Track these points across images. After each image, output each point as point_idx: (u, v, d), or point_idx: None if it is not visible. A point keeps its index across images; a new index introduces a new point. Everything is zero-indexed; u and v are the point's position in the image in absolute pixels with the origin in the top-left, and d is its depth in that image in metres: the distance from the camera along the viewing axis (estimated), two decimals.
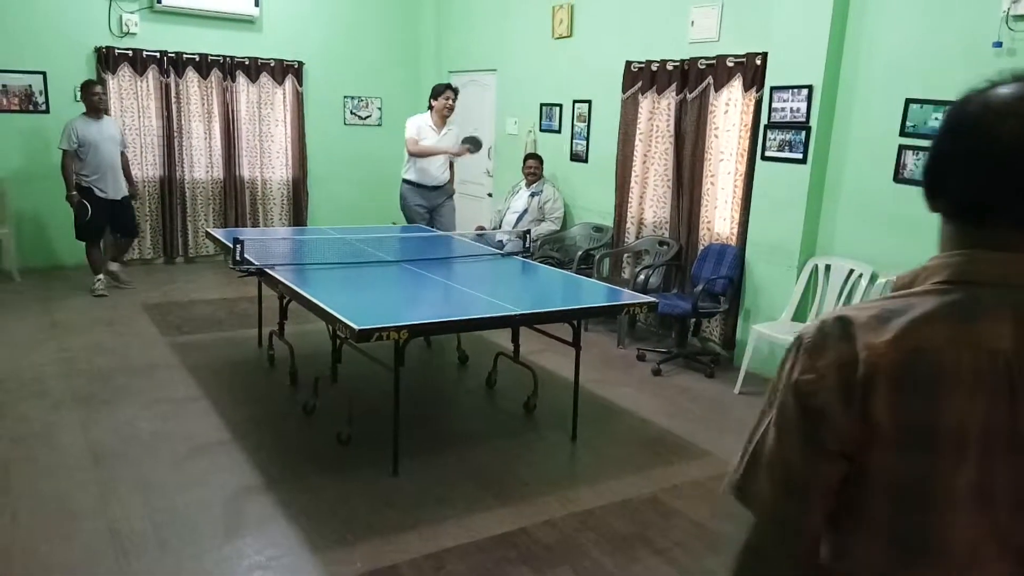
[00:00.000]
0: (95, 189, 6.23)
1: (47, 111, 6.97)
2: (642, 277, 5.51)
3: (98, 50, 7.06)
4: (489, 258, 5.05)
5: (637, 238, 6.12)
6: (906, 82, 4.26)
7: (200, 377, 4.63)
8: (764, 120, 4.93)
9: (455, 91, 6.38)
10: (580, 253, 6.20)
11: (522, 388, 4.42)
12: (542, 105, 7.18)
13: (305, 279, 4.05)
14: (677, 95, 5.62)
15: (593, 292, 4.34)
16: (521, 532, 3.08)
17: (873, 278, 4.47)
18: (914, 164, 4.26)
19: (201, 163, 7.76)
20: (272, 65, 7.89)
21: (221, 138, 7.79)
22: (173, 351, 5.09)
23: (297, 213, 8.31)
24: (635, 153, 6.03)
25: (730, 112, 5.32)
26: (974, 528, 0.91)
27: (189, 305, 6.21)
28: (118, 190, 6.38)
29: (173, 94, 7.45)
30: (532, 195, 6.72)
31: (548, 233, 6.61)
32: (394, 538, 2.99)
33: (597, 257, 6.11)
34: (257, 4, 7.66)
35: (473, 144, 6.28)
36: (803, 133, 4.70)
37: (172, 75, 7.41)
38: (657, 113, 5.84)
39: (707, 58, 5.36)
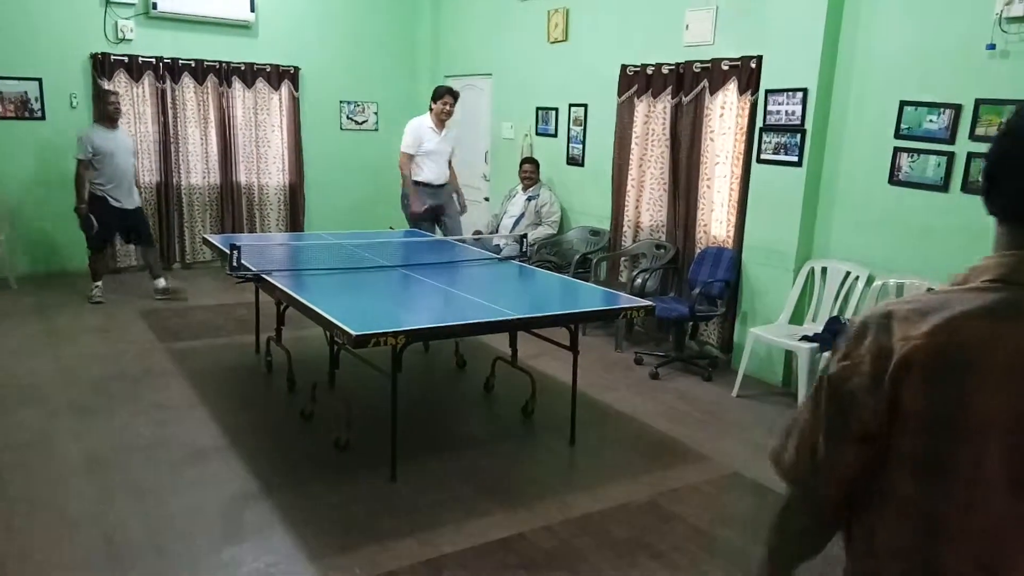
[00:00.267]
0: (109, 198, 6.19)
1: (43, 118, 6.97)
2: (639, 281, 5.51)
3: (94, 56, 7.06)
4: (486, 262, 5.05)
5: (634, 242, 6.12)
6: (900, 84, 4.28)
7: (197, 383, 4.62)
8: (759, 123, 4.94)
9: (454, 96, 6.43)
10: (577, 257, 6.20)
11: (520, 393, 4.42)
12: (538, 109, 7.19)
13: (302, 285, 4.05)
14: (672, 99, 5.63)
15: (590, 296, 4.34)
16: (519, 537, 3.07)
17: (870, 280, 4.48)
18: (909, 166, 4.27)
19: (198, 169, 7.75)
20: (268, 70, 7.89)
21: (217, 144, 7.78)
22: (170, 357, 5.08)
23: (294, 218, 8.31)
24: (631, 157, 6.04)
25: (725, 115, 5.33)
26: (996, 512, 0.95)
27: (186, 311, 6.19)
28: (132, 200, 6.36)
29: (169, 100, 7.44)
30: (529, 199, 6.73)
31: (545, 237, 6.62)
32: (392, 544, 2.99)
33: (594, 261, 6.11)
34: (253, 9, 7.66)
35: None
36: (798, 136, 4.71)
37: (168, 81, 7.40)
38: (653, 117, 5.85)
39: (702, 61, 5.37)
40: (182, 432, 3.94)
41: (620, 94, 6.06)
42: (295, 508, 3.23)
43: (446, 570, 2.84)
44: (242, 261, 4.17)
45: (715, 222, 5.49)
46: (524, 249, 5.21)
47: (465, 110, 8.30)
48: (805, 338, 4.47)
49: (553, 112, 7.01)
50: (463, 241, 6.02)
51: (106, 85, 7.09)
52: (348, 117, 8.55)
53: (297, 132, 8.16)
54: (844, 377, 1.01)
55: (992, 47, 3.84)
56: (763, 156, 4.95)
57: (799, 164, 4.73)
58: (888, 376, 0.96)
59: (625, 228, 6.18)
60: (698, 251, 5.52)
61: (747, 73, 5.03)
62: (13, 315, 5.93)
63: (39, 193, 7.06)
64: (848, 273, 4.58)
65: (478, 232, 7.24)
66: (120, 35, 7.15)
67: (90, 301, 6.29)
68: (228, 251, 4.17)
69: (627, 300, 4.09)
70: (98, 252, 6.41)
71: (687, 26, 5.54)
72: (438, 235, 6.54)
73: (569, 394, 4.11)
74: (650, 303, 3.95)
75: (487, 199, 8.02)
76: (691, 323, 5.42)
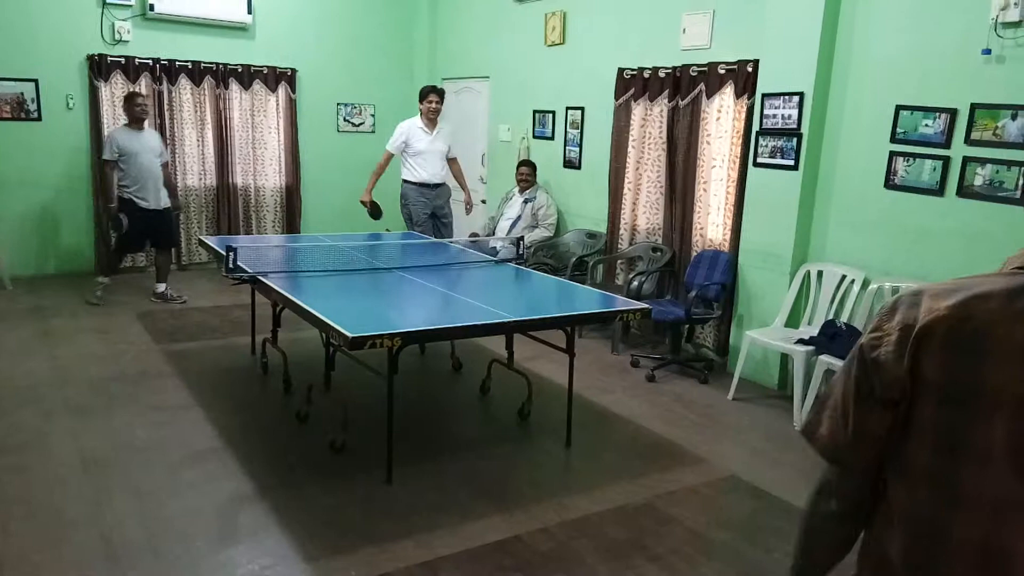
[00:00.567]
0: (136, 200, 6.15)
1: (39, 119, 6.96)
2: (635, 283, 5.52)
3: (90, 58, 7.05)
4: (483, 265, 5.06)
5: (630, 244, 6.13)
6: (896, 89, 4.29)
7: (193, 385, 4.62)
8: (756, 127, 4.96)
9: (439, 93, 6.58)
10: (573, 260, 6.21)
11: (516, 395, 4.42)
12: (535, 112, 7.20)
13: (298, 286, 4.05)
14: (669, 102, 5.64)
15: (587, 298, 4.35)
16: (516, 540, 3.08)
17: (865, 284, 4.49)
18: (905, 170, 4.29)
19: (194, 170, 7.75)
20: (265, 72, 7.89)
21: (214, 145, 7.78)
22: (166, 359, 5.07)
23: (290, 220, 8.31)
24: (628, 160, 6.05)
25: (722, 119, 5.35)
26: (1004, 481, 0.99)
27: (182, 313, 6.19)
28: (159, 200, 6.31)
29: (166, 102, 7.43)
30: (525, 202, 6.74)
31: (541, 240, 6.63)
32: (388, 546, 2.99)
33: (590, 263, 6.12)
34: (250, 11, 7.67)
35: (374, 210, 6.63)
36: (794, 140, 4.72)
37: (165, 82, 7.40)
38: (649, 120, 5.87)
39: (699, 65, 5.38)
40: (179, 433, 3.94)
41: (617, 97, 6.07)
42: (291, 510, 3.23)
43: (442, 572, 2.84)
44: (238, 263, 4.17)
45: (711, 225, 5.51)
46: (520, 251, 5.21)
47: (462, 113, 8.33)
48: (801, 341, 4.49)
49: (550, 115, 7.02)
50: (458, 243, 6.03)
51: (102, 87, 7.09)
52: (345, 119, 8.55)
53: (294, 134, 8.16)
54: (874, 346, 1.08)
55: (988, 52, 3.85)
56: (759, 160, 4.96)
57: (795, 168, 4.74)
58: (911, 343, 1.04)
59: (622, 231, 6.19)
60: (694, 254, 5.53)
61: (744, 77, 5.05)
62: (9, 316, 5.92)
63: (35, 194, 7.05)
64: (844, 276, 4.60)
65: (475, 234, 7.25)
66: (117, 36, 7.15)
67: (88, 300, 6.23)
68: (224, 253, 4.17)
69: (623, 303, 4.10)
70: (121, 255, 6.38)
71: (684, 29, 5.56)
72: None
73: (565, 396, 4.12)
74: (646, 306, 3.95)
75: (484, 201, 8.03)
76: (687, 326, 5.43)
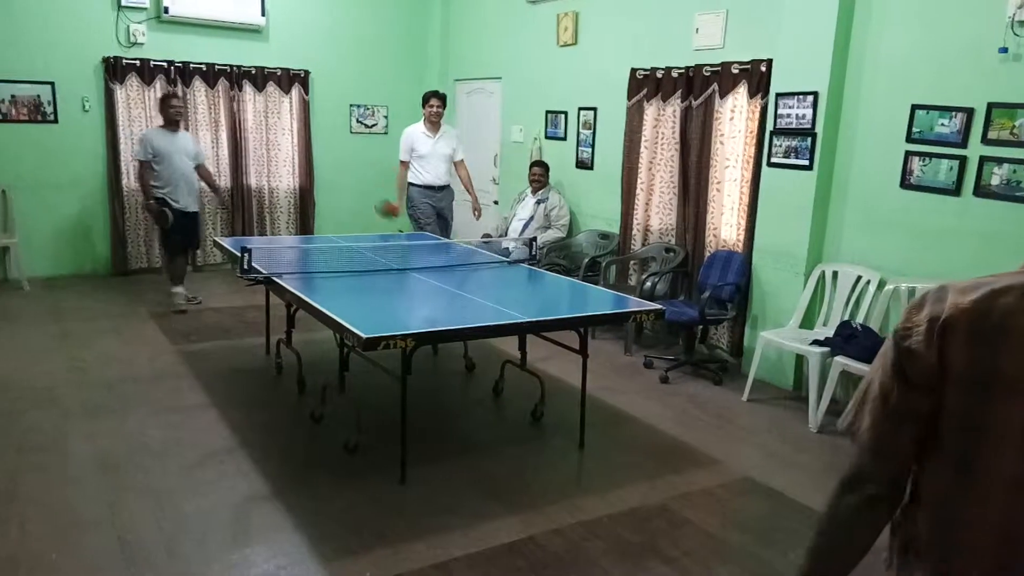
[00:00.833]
0: (170, 200, 6.15)
1: (55, 121, 7.02)
2: (649, 284, 5.51)
3: (106, 60, 7.11)
4: (495, 266, 5.06)
5: (643, 245, 6.11)
6: (912, 88, 4.26)
7: (208, 386, 4.64)
8: (769, 126, 4.93)
9: (440, 97, 6.70)
10: (586, 260, 6.20)
11: (529, 396, 4.42)
12: (547, 113, 7.20)
13: (312, 287, 4.06)
14: (682, 102, 5.62)
15: (600, 299, 4.34)
16: (529, 541, 3.07)
17: (881, 284, 4.46)
18: (920, 170, 4.25)
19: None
20: (279, 74, 7.93)
21: (228, 147, 7.82)
22: (181, 360, 5.11)
23: (304, 221, 8.34)
24: (641, 160, 6.03)
25: (735, 119, 5.32)
26: (1020, 463, 1.09)
27: (197, 314, 6.22)
28: (189, 202, 6.31)
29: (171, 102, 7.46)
30: (538, 202, 6.73)
31: (554, 240, 6.62)
32: (402, 547, 2.99)
33: (603, 264, 6.11)
34: (264, 13, 7.71)
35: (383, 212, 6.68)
36: (809, 139, 4.70)
37: (179, 84, 7.44)
38: (662, 120, 5.85)
39: (712, 65, 5.36)
40: (194, 434, 3.96)
41: (630, 97, 6.06)
42: (305, 510, 3.24)
43: (456, 573, 2.84)
44: (253, 264, 4.19)
45: (725, 225, 5.48)
46: (533, 252, 5.21)
47: (474, 113, 8.34)
48: (816, 342, 4.46)
49: (563, 115, 7.01)
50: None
51: (117, 89, 7.15)
52: (358, 120, 8.58)
53: (307, 135, 8.20)
54: (905, 336, 1.18)
55: (1004, 51, 3.82)
56: (773, 160, 4.93)
57: (810, 167, 4.71)
58: (936, 335, 1.13)
59: (634, 232, 6.17)
60: (708, 255, 5.51)
61: (757, 76, 5.02)
62: (26, 318, 5.97)
63: (52, 196, 7.11)
64: (859, 277, 4.56)
65: (487, 235, 7.25)
66: (132, 39, 7.20)
67: (173, 310, 6.18)
68: (239, 254, 4.19)
69: (637, 304, 4.09)
70: (177, 255, 6.34)
71: (697, 29, 5.54)
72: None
73: (578, 397, 4.11)
74: (660, 307, 3.94)
75: (496, 202, 8.03)
76: (701, 327, 5.41)
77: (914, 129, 4.26)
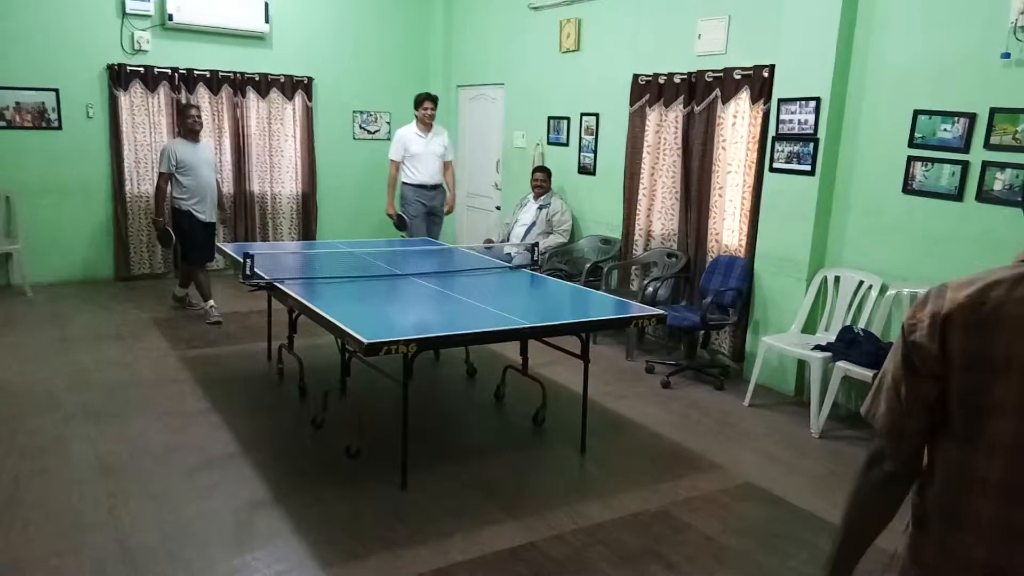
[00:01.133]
0: (195, 212, 6.06)
1: (59, 128, 7.05)
2: (650, 289, 5.51)
3: (110, 67, 7.14)
4: (497, 271, 5.06)
5: (645, 250, 6.12)
6: (914, 93, 4.26)
7: (210, 390, 4.65)
8: (772, 132, 4.94)
9: (433, 100, 6.95)
10: (588, 265, 6.20)
11: (531, 401, 4.41)
12: (550, 118, 7.21)
13: (314, 293, 4.07)
14: (684, 108, 5.63)
15: (601, 305, 4.34)
16: (531, 546, 3.07)
17: (883, 290, 4.45)
18: (923, 175, 4.25)
19: None
20: (282, 81, 7.95)
21: (231, 153, 7.84)
22: (183, 365, 5.11)
23: (306, 227, 8.35)
24: (643, 165, 6.04)
25: (738, 124, 5.33)
26: (1019, 430, 1.23)
27: (199, 319, 6.23)
28: (212, 214, 6.28)
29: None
30: (540, 208, 6.74)
31: (556, 246, 6.62)
32: (403, 552, 2.99)
33: (605, 269, 6.11)
34: (267, 20, 7.74)
35: (399, 221, 7.03)
36: (811, 145, 4.70)
37: (183, 91, 7.47)
38: (665, 126, 5.86)
39: (714, 71, 5.37)
40: (195, 439, 3.96)
41: (632, 103, 6.07)
42: (307, 515, 3.23)
43: None
44: (255, 269, 4.19)
45: (727, 231, 5.48)
46: (535, 258, 5.21)
47: (477, 119, 8.36)
48: (818, 347, 4.45)
49: (565, 121, 7.02)
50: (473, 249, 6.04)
51: (121, 96, 7.18)
52: (361, 127, 8.60)
53: (310, 142, 8.22)
54: (911, 330, 1.32)
55: (1007, 56, 3.82)
56: (776, 165, 4.94)
57: (812, 173, 4.71)
58: (939, 327, 1.28)
59: (636, 237, 6.17)
60: (710, 260, 5.51)
61: (759, 82, 5.03)
62: (29, 322, 5.99)
63: (55, 202, 7.13)
64: (861, 282, 4.56)
65: (489, 241, 7.27)
66: (136, 46, 7.23)
67: (207, 322, 6.12)
68: (241, 259, 4.20)
69: (638, 309, 4.08)
70: (198, 268, 6.24)
71: (699, 35, 5.55)
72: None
73: (580, 403, 4.11)
74: (662, 312, 3.94)
75: (498, 208, 8.04)
76: (703, 332, 5.40)
77: (916, 134, 4.26)
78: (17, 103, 6.85)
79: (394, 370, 3.48)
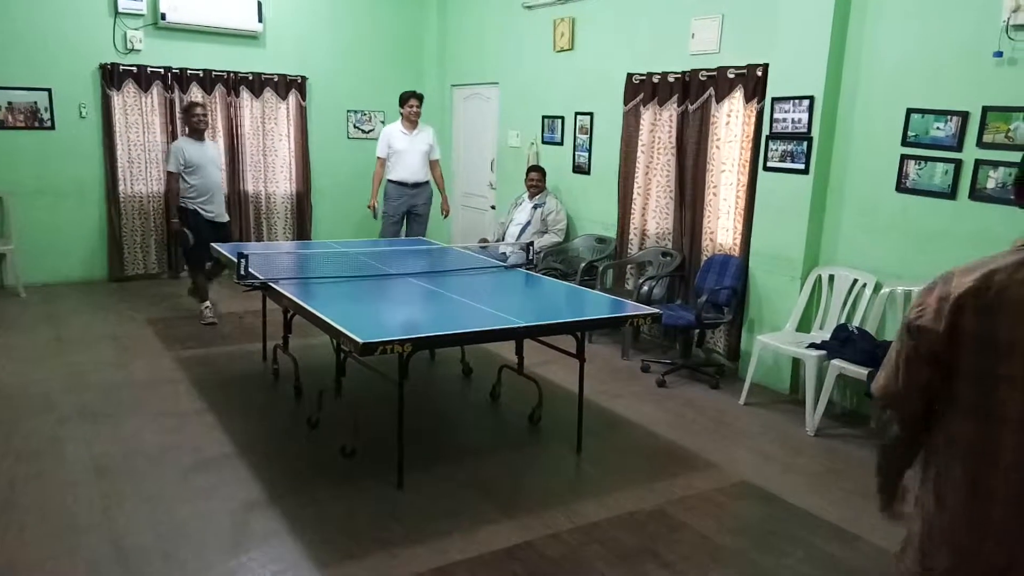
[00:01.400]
0: (202, 211, 6.01)
1: (52, 128, 7.02)
2: (645, 288, 5.51)
3: (103, 67, 7.11)
4: (492, 270, 5.06)
5: (640, 249, 6.12)
6: (907, 92, 4.28)
7: (205, 391, 4.64)
8: (766, 131, 4.95)
9: (418, 97, 7.00)
10: (583, 265, 6.21)
11: (526, 400, 4.42)
12: (544, 117, 7.21)
13: (309, 293, 4.06)
14: (679, 107, 5.64)
15: (597, 304, 4.34)
16: (527, 546, 3.07)
17: (877, 288, 4.47)
18: (916, 173, 4.27)
19: None
20: (276, 80, 7.93)
21: (225, 153, 7.80)
22: (178, 365, 5.10)
23: (301, 227, 8.34)
24: (637, 164, 6.04)
25: (731, 123, 5.34)
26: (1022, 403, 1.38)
27: (193, 319, 6.21)
28: (222, 213, 6.21)
29: (177, 110, 7.48)
30: (535, 207, 6.74)
31: (551, 245, 6.62)
32: (400, 552, 2.99)
33: (600, 269, 6.11)
34: (261, 20, 7.72)
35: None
36: (805, 143, 4.71)
37: (176, 91, 7.45)
38: (659, 125, 5.86)
39: (708, 70, 5.38)
40: (190, 439, 3.95)
41: (626, 102, 6.07)
42: (302, 516, 3.23)
43: None
44: (249, 269, 4.19)
45: (721, 230, 5.49)
46: (530, 257, 5.22)
47: (471, 119, 8.36)
48: (812, 346, 4.46)
49: (559, 120, 7.03)
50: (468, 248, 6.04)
51: (114, 95, 7.15)
52: (355, 126, 8.59)
53: (304, 141, 8.20)
54: (918, 316, 1.45)
55: (999, 54, 3.83)
56: (769, 164, 4.95)
57: (806, 172, 4.73)
58: (948, 310, 1.40)
59: (631, 236, 6.18)
60: (704, 259, 5.52)
61: (753, 81, 5.04)
62: (23, 324, 5.97)
63: (48, 202, 7.11)
64: (855, 281, 4.57)
65: (484, 240, 7.27)
66: (129, 45, 7.21)
67: (202, 322, 6.09)
68: (236, 260, 4.19)
69: (634, 308, 4.09)
70: (199, 269, 6.19)
71: (693, 34, 5.56)
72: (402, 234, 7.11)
73: (576, 402, 4.11)
74: (657, 311, 3.94)
75: (493, 207, 8.04)
76: (698, 331, 5.41)
77: (909, 133, 4.28)
78: (9, 103, 6.83)
79: (390, 370, 3.48)
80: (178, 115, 7.42)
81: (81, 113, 7.14)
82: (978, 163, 3.98)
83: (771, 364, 4.97)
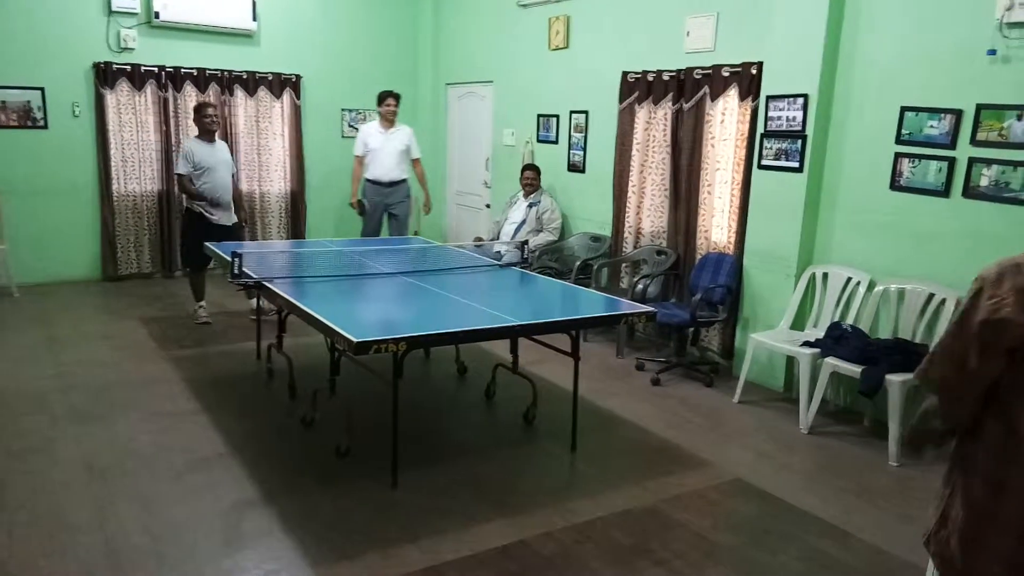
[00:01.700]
0: (206, 214, 5.91)
1: (45, 127, 7.00)
2: (640, 287, 5.51)
3: (96, 66, 7.09)
4: (487, 269, 5.05)
5: (635, 248, 6.12)
6: (901, 90, 4.28)
7: (198, 390, 4.63)
8: (760, 129, 4.95)
9: (395, 97, 7.11)
10: (578, 263, 6.20)
11: (521, 399, 4.41)
12: (539, 116, 7.21)
13: (303, 292, 4.05)
14: (673, 105, 5.64)
15: (591, 302, 4.34)
16: (521, 544, 3.07)
17: (871, 286, 4.47)
18: (910, 171, 4.27)
19: None
20: (270, 79, 7.92)
21: None
22: (171, 365, 5.08)
23: (295, 226, 8.32)
24: (632, 163, 6.04)
25: (726, 121, 5.34)
26: None
27: (187, 319, 6.20)
28: (229, 216, 6.07)
29: (171, 109, 7.46)
30: (530, 206, 6.74)
31: (546, 243, 6.62)
32: (394, 551, 2.98)
33: (595, 267, 6.11)
34: (255, 18, 7.70)
35: (360, 208, 7.21)
36: (799, 142, 4.71)
37: (170, 90, 7.43)
38: (654, 123, 5.86)
39: (703, 68, 5.38)
40: (183, 439, 3.94)
41: (621, 101, 6.07)
42: (296, 515, 3.22)
43: None
44: (244, 268, 4.17)
45: (716, 228, 5.49)
46: (525, 255, 5.21)
47: (466, 117, 8.35)
48: (807, 344, 4.47)
49: (554, 119, 7.02)
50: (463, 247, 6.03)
51: (108, 95, 7.12)
52: (350, 125, 8.57)
53: (298, 140, 8.19)
54: (995, 309, 1.42)
55: (993, 52, 3.84)
56: (764, 162, 4.95)
57: (800, 170, 4.73)
58: None
59: (626, 234, 6.18)
60: (699, 257, 5.52)
61: (748, 79, 5.04)
62: (15, 323, 5.94)
63: (42, 202, 7.08)
64: (849, 279, 4.58)
65: (479, 239, 7.26)
66: (123, 44, 7.18)
67: (195, 321, 6.06)
68: (230, 259, 4.18)
69: (628, 306, 4.09)
70: (199, 271, 6.11)
71: (688, 33, 5.56)
72: (384, 232, 7.24)
73: (570, 400, 4.11)
74: (651, 309, 3.94)
75: (488, 206, 8.04)
76: (692, 329, 5.41)
77: (903, 131, 4.28)
78: (3, 102, 6.80)
79: (384, 369, 3.47)
80: (171, 114, 7.40)
81: (74, 112, 7.12)
82: (972, 161, 3.98)
83: (765, 362, 4.97)
